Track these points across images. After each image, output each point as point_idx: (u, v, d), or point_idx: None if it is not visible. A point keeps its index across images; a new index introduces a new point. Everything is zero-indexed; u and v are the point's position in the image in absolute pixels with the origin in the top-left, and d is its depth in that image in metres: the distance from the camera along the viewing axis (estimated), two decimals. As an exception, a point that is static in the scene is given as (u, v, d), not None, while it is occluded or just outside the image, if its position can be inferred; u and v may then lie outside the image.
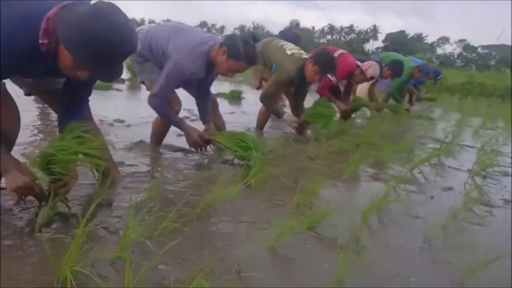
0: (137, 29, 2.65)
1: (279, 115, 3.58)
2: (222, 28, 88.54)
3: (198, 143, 2.52)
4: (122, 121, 3.51)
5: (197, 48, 2.41)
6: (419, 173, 2.90)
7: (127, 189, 1.98)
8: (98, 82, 1.92)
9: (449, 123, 5.68)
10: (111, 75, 1.41)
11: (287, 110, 4.01)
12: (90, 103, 1.82)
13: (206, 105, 2.78)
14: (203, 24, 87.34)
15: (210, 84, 2.81)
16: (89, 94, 1.77)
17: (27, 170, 1.45)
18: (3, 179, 1.45)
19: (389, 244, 1.72)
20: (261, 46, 3.77)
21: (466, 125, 5.50)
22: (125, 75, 7.10)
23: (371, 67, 4.37)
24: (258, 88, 4.05)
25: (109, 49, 1.27)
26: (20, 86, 1.80)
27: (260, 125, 3.90)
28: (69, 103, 1.70)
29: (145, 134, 2.92)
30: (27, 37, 1.29)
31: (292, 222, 1.63)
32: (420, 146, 3.89)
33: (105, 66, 1.32)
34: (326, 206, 2.00)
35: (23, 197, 1.46)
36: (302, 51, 3.66)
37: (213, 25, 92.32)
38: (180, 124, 2.54)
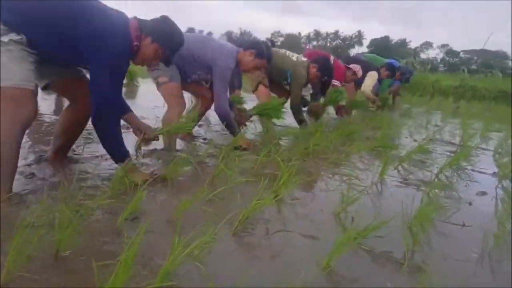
0: None
1: (302, 122, 4.09)
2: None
3: (248, 144, 2.99)
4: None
5: (231, 50, 2.90)
6: (445, 177, 2.77)
7: (151, 201, 1.79)
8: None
9: (453, 126, 5.62)
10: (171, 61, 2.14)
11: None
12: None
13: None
14: (191, 30, 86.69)
15: None
16: None
17: (149, 172, 2.09)
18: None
19: (446, 257, 1.58)
20: None
21: (470, 128, 5.44)
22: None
23: (360, 70, 5.28)
24: (254, 91, 4.12)
25: (180, 45, 2.11)
26: (40, 79, 1.88)
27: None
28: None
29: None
30: (129, 40, 1.88)
31: (342, 237, 1.46)
32: (434, 149, 3.78)
33: (173, 56, 2.11)
34: (367, 215, 1.86)
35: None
36: (295, 54, 4.19)
37: (200, 31, 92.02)
38: (238, 132, 3.00)
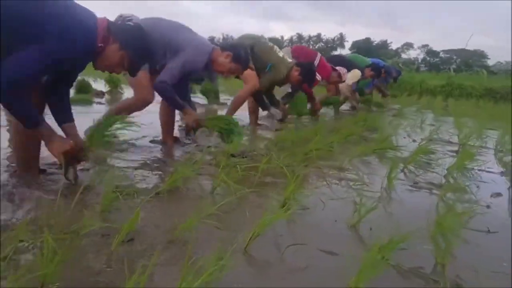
0: (123, 16, 2.75)
1: (266, 107, 4.14)
2: None
3: (196, 122, 2.70)
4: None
5: (204, 48, 2.70)
6: (454, 178, 2.65)
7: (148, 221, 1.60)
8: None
9: (447, 125, 5.55)
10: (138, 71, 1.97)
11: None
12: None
13: (188, 95, 3.13)
14: None
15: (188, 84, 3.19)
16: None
17: (68, 140, 1.82)
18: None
19: (478, 269, 1.43)
20: (252, 42, 3.98)
21: (465, 127, 5.38)
22: (104, 87, 6.61)
23: (346, 74, 5.47)
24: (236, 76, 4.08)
25: (149, 58, 1.96)
26: None
27: (253, 121, 4.33)
28: (63, 95, 1.93)
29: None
30: (91, 39, 1.70)
31: (367, 254, 1.30)
32: (435, 149, 3.67)
33: (141, 64, 1.93)
34: (384, 225, 1.72)
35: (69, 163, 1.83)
36: (283, 53, 4.14)
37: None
38: (183, 105, 2.69)
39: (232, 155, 2.69)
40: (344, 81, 5.72)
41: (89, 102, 5.16)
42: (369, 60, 6.99)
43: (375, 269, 1.22)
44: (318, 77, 4.81)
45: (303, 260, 1.39)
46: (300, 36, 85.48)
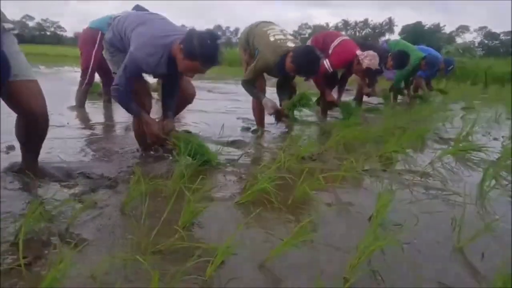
0: (114, 16, 2.54)
1: (259, 98, 3.33)
2: (237, 30, 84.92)
3: (158, 136, 2.34)
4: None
5: (156, 40, 2.18)
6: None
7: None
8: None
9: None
10: None
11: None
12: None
13: (171, 100, 2.53)
14: (217, 28, 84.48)
15: (178, 80, 2.53)
16: None
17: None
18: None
19: None
20: (248, 30, 3.54)
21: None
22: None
23: (367, 57, 3.82)
24: None
25: None
26: None
27: (259, 122, 3.58)
28: None
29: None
30: None
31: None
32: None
33: None
34: (492, 247, 1.51)
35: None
36: (289, 36, 3.33)
37: (227, 27, 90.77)
38: (140, 114, 2.35)
39: (303, 158, 2.56)
40: (368, 69, 3.95)
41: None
42: (414, 48, 5.77)
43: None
44: (326, 64, 3.92)
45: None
46: (346, 23, 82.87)
